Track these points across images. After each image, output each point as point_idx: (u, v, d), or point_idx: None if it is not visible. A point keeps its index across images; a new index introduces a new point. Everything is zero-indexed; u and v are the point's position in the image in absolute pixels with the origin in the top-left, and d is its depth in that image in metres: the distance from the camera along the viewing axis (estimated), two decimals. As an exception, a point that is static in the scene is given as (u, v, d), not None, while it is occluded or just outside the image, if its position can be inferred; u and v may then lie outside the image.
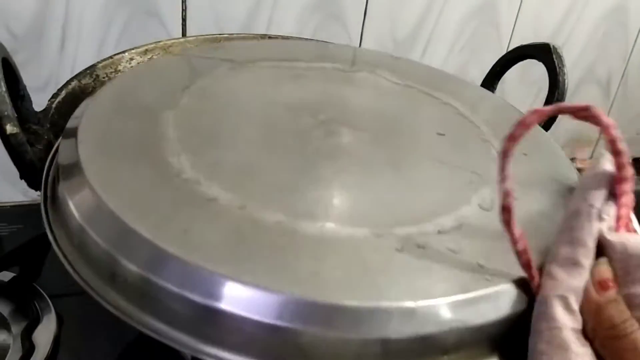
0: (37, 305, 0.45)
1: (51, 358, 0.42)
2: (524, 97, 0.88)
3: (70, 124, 0.34)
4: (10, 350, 0.42)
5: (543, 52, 0.44)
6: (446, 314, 0.25)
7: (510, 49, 0.80)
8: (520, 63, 0.78)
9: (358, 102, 0.40)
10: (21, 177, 0.33)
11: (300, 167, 0.33)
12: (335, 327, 0.24)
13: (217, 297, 0.24)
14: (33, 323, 0.43)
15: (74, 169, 0.30)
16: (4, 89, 0.30)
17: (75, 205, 0.28)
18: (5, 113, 0.30)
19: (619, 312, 0.25)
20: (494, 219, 0.28)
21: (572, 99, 0.88)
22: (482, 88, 0.47)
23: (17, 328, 0.43)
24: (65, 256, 0.28)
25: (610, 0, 0.82)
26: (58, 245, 0.28)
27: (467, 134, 0.38)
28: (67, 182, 0.30)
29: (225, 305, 0.24)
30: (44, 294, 0.46)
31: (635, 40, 0.88)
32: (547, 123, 0.44)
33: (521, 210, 0.27)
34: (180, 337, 0.25)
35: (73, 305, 0.47)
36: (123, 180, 0.29)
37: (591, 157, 0.98)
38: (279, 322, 0.24)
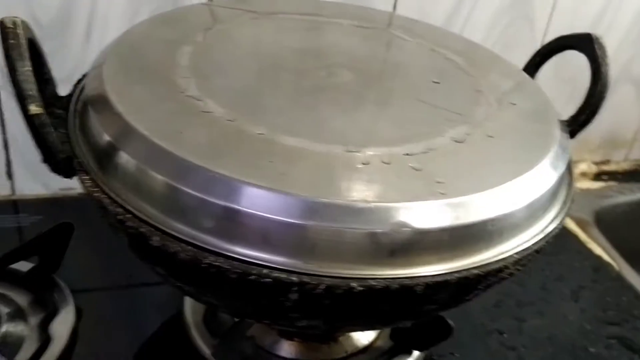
0: (55, 296, 0.44)
1: (68, 351, 0.41)
2: (558, 94, 0.85)
3: (97, 57, 0.38)
4: (26, 341, 0.41)
5: (584, 42, 0.42)
6: (396, 216, 0.28)
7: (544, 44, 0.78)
8: (555, 59, 0.76)
9: (365, 52, 0.43)
10: (43, 161, 0.32)
11: (294, 96, 0.36)
12: (292, 216, 0.27)
13: (198, 188, 0.28)
14: (50, 315, 0.42)
15: (98, 89, 0.33)
16: (29, 68, 0.29)
17: (101, 124, 0.32)
18: (30, 92, 0.29)
19: None
20: (464, 149, 0.32)
21: (608, 98, 0.86)
22: (492, 51, 0.48)
23: (34, 319, 0.43)
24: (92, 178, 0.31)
25: (649, -4, 0.79)
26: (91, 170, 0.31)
27: (462, 84, 0.40)
28: (93, 103, 0.33)
29: (189, 189, 0.28)
30: (63, 286, 0.45)
31: (676, 37, 0.84)
32: (582, 124, 0.42)
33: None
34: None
35: (93, 299, 0.46)
36: (138, 97, 0.33)
37: (625, 159, 0.95)
38: (233, 205, 0.28)
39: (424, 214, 0.28)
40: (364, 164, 0.30)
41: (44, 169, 0.70)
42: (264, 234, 0.28)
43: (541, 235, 0.32)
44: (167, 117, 0.31)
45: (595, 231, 0.79)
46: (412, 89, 0.39)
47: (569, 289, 0.68)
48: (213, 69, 0.37)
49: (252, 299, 0.29)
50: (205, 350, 0.41)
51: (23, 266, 0.45)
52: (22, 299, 0.44)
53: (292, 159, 0.30)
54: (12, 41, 0.29)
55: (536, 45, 0.79)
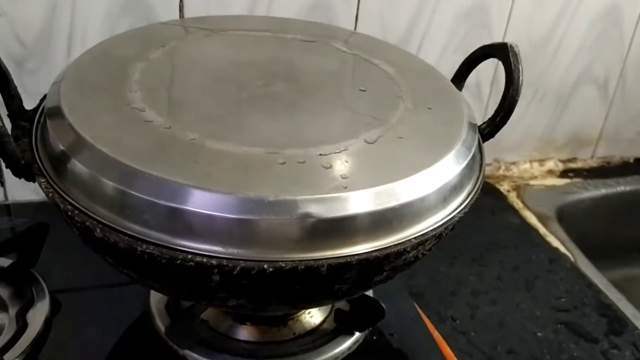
0: (33, 289, 0.49)
1: (42, 337, 0.46)
2: (521, 98, 0.89)
3: (59, 74, 0.42)
4: (6, 329, 0.46)
5: (501, 51, 0.46)
6: (301, 207, 0.33)
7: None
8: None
9: (303, 64, 0.47)
10: (6, 166, 0.37)
11: (230, 105, 0.41)
12: (211, 209, 0.32)
13: (133, 187, 0.33)
14: (28, 305, 0.47)
15: (55, 101, 0.39)
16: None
17: (57, 134, 0.37)
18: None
19: None
20: (374, 149, 0.37)
21: (569, 99, 0.91)
22: (425, 61, 0.52)
23: (14, 310, 0.47)
24: (52, 184, 0.36)
25: (603, 0, 0.83)
26: (47, 174, 0.36)
27: (387, 91, 0.45)
28: (50, 115, 0.38)
29: (125, 187, 0.33)
30: (41, 280, 0.50)
31: (632, 41, 0.89)
32: (498, 124, 0.46)
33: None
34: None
35: (68, 294, 0.51)
36: (88, 109, 0.38)
37: (592, 157, 0.99)
38: (162, 201, 0.33)
39: (326, 206, 0.33)
40: (280, 163, 0.35)
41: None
42: (188, 224, 0.33)
43: (440, 223, 0.37)
44: (111, 127, 0.36)
45: (555, 225, 0.83)
46: (339, 96, 0.44)
47: (524, 278, 0.73)
48: (160, 82, 0.42)
49: (183, 281, 0.34)
50: (162, 332, 0.46)
51: (4, 262, 0.50)
52: (2, 291, 0.49)
53: (217, 160, 0.35)
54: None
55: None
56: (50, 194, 0.35)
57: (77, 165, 0.35)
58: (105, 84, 0.41)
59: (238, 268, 0.32)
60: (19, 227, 0.59)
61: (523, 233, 0.81)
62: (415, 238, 0.35)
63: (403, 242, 0.35)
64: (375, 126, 0.40)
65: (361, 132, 0.39)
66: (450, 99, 0.45)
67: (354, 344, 0.48)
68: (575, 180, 0.95)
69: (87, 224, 0.34)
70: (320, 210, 0.33)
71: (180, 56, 0.46)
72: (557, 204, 0.88)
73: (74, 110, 0.37)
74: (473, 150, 0.41)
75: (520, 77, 0.45)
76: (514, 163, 0.95)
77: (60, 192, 0.35)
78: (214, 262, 0.32)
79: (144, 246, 0.32)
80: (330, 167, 0.35)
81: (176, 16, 0.66)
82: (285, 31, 0.52)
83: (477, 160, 0.43)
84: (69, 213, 0.34)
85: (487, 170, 0.94)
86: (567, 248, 0.79)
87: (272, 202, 0.32)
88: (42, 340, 0.46)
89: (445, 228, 0.37)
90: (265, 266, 0.32)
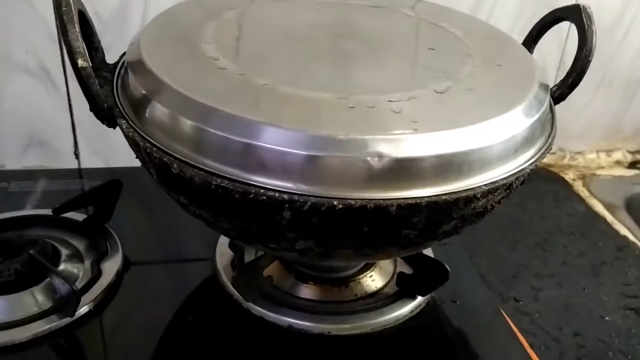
0: (107, 242, 0.51)
1: (114, 286, 0.48)
2: (587, 83, 0.87)
3: (138, 32, 0.44)
4: (81, 276, 0.48)
5: (574, 12, 0.45)
6: (372, 146, 0.33)
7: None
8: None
9: (370, 26, 0.48)
10: (90, 109, 0.39)
11: (300, 58, 0.42)
12: (283, 145, 0.33)
13: (209, 124, 0.34)
14: (102, 255, 0.49)
15: (135, 53, 0.40)
16: (77, 29, 0.36)
17: (138, 80, 0.39)
18: (78, 49, 0.36)
19: None
20: (443, 98, 0.37)
21: (638, 87, 0.87)
22: (492, 25, 0.51)
23: (89, 261, 0.49)
24: (134, 125, 0.37)
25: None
26: (127, 117, 0.38)
27: (455, 50, 0.45)
28: (131, 64, 0.40)
29: (202, 125, 0.35)
30: (114, 234, 0.52)
31: None
32: (570, 86, 0.46)
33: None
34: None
35: (139, 250, 0.52)
36: (167, 57, 0.39)
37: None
38: (236, 137, 0.34)
39: (396, 146, 0.33)
40: (350, 107, 0.35)
41: (106, 148, 0.79)
42: (261, 160, 0.33)
43: (510, 173, 0.36)
44: (188, 72, 0.38)
45: (624, 214, 0.81)
46: (408, 54, 0.44)
47: (590, 264, 0.71)
48: (232, 37, 0.43)
49: (254, 218, 0.35)
50: (231, 288, 0.47)
51: (79, 217, 0.53)
52: (79, 244, 0.51)
53: (289, 102, 0.35)
54: (64, 8, 0.36)
55: (562, 35, 0.82)
56: (130, 134, 0.37)
57: (157, 106, 0.36)
58: (181, 38, 0.42)
59: (308, 204, 0.33)
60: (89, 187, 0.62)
61: (589, 220, 0.79)
62: (485, 185, 0.35)
63: (473, 187, 0.35)
64: (444, 79, 0.40)
65: (430, 83, 0.39)
66: (521, 58, 0.45)
67: (416, 307, 0.48)
68: (645, 172, 0.92)
69: (165, 159, 0.35)
70: (390, 149, 0.33)
71: (251, 17, 0.47)
72: (626, 194, 0.86)
73: (153, 58, 0.39)
74: (545, 106, 0.40)
75: (594, 38, 0.44)
76: (579, 152, 0.93)
77: (140, 131, 0.37)
78: (285, 197, 0.33)
79: (219, 180, 0.33)
80: (400, 111, 0.35)
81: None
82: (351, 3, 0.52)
83: (549, 118, 0.42)
84: (148, 150, 0.36)
85: (552, 159, 0.92)
86: (636, 236, 0.76)
87: (343, 140, 0.33)
88: (114, 289, 0.48)
89: (516, 179, 0.37)
90: (335, 203, 0.33)
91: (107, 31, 0.69)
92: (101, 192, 0.51)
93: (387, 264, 0.51)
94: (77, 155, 0.77)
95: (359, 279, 0.49)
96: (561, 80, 0.46)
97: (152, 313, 0.47)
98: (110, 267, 0.49)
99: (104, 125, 0.61)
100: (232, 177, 0.34)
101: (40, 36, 0.70)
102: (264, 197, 0.33)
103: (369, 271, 0.50)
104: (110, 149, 0.77)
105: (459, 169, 0.35)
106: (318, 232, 0.35)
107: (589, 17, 0.44)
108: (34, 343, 0.42)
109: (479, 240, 0.72)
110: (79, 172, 0.68)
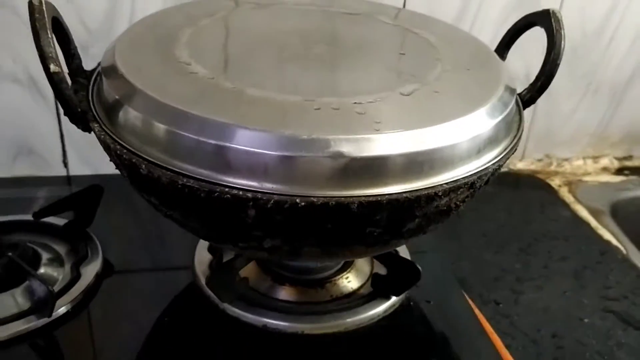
0: (87, 247, 0.52)
1: (93, 289, 0.48)
2: (572, 90, 0.88)
3: (115, 39, 0.45)
4: (60, 279, 0.49)
5: (543, 18, 0.46)
6: (333, 146, 0.34)
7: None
8: (568, 58, 0.80)
9: (345, 32, 0.49)
10: (64, 113, 0.40)
11: (271, 62, 0.43)
12: (247, 145, 0.34)
13: (178, 126, 0.35)
14: (82, 258, 0.50)
15: (109, 59, 0.42)
16: (49, 35, 0.38)
17: (111, 86, 0.40)
18: (50, 54, 0.37)
19: None
20: (408, 100, 0.38)
21: (624, 94, 0.89)
22: (468, 33, 0.53)
23: (69, 264, 0.50)
24: (107, 131, 0.39)
25: (659, -10, 0.81)
26: (100, 121, 0.39)
27: (426, 55, 0.46)
28: (105, 70, 0.42)
29: (169, 126, 0.36)
30: (95, 238, 0.53)
31: (690, 33, 0.86)
32: (539, 89, 0.46)
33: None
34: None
35: (120, 255, 0.53)
36: (140, 63, 0.41)
37: (650, 154, 0.96)
38: (202, 137, 0.35)
39: (358, 145, 0.34)
40: (315, 109, 0.36)
41: (94, 157, 0.80)
42: (227, 160, 0.34)
43: (472, 172, 0.37)
44: (160, 77, 0.39)
45: (608, 219, 0.81)
46: (379, 58, 0.45)
47: (572, 268, 0.71)
48: (206, 43, 0.44)
49: (221, 217, 0.36)
50: (209, 292, 0.48)
51: (60, 221, 0.54)
52: (60, 248, 0.52)
53: (256, 104, 0.36)
54: (37, 15, 0.37)
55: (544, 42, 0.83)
56: (102, 136, 0.38)
57: (129, 110, 0.37)
58: (155, 44, 0.43)
59: (272, 201, 0.34)
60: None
61: (573, 226, 0.79)
62: (447, 184, 0.36)
63: (434, 186, 0.36)
64: (411, 82, 0.41)
65: (397, 86, 0.40)
66: (490, 64, 0.46)
67: (390, 307, 0.48)
68: (632, 177, 0.92)
69: (134, 160, 0.36)
70: (352, 149, 0.34)
71: (227, 24, 0.48)
72: (611, 200, 0.86)
73: (126, 64, 0.40)
74: (510, 107, 0.41)
75: (563, 42, 0.45)
76: (566, 159, 0.93)
77: (112, 135, 0.38)
78: (249, 195, 0.34)
79: (185, 180, 0.34)
80: (364, 113, 0.36)
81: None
82: (331, 5, 0.53)
83: (515, 120, 0.43)
84: (118, 152, 0.37)
85: (538, 166, 0.93)
86: (619, 241, 0.77)
87: (306, 139, 0.34)
88: (93, 291, 0.48)
89: (479, 178, 0.38)
90: (297, 200, 0.33)
91: (93, 41, 0.70)
92: (82, 197, 0.52)
93: (363, 266, 0.52)
94: (65, 164, 0.78)
95: (335, 280, 0.50)
96: (530, 84, 0.47)
97: (131, 314, 0.48)
98: (90, 270, 0.50)
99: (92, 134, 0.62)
100: (198, 177, 0.34)
101: (29, 45, 0.71)
102: (228, 196, 0.34)
103: (345, 272, 0.50)
104: (98, 158, 0.77)
105: (420, 168, 0.36)
106: (283, 230, 0.36)
107: (558, 21, 0.45)
108: (13, 342, 0.43)
109: (463, 245, 0.73)
110: (68, 179, 0.69)
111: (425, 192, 0.35)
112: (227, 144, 0.34)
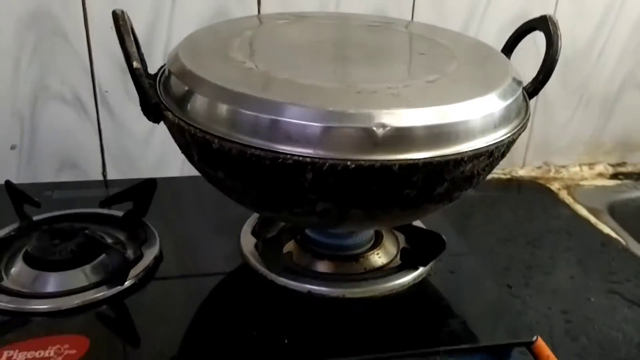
0: (145, 232, 0.58)
1: (154, 267, 0.54)
2: (567, 101, 0.96)
3: (174, 47, 0.52)
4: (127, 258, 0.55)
5: (541, 22, 0.54)
6: (377, 118, 0.41)
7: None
8: (562, 70, 0.88)
9: (369, 39, 0.57)
10: (141, 105, 0.47)
11: (311, 61, 0.50)
12: (305, 119, 0.41)
13: (243, 107, 0.42)
14: (142, 242, 0.56)
15: (176, 60, 0.49)
16: (132, 39, 0.45)
17: (179, 79, 0.47)
18: (133, 53, 0.44)
19: None
20: (433, 86, 0.46)
21: (615, 104, 0.97)
22: (476, 38, 0.60)
23: (131, 250, 0.56)
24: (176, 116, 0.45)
25: (640, 10, 0.90)
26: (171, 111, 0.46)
27: (442, 55, 0.53)
28: (173, 69, 0.48)
29: (238, 108, 0.43)
30: (150, 226, 0.59)
31: (672, 46, 0.94)
32: (541, 82, 0.54)
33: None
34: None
35: (173, 244, 0.59)
36: (203, 62, 0.48)
37: (643, 161, 1.03)
38: (267, 115, 0.42)
39: (397, 118, 0.41)
40: (357, 92, 0.43)
41: (131, 170, 0.87)
42: (287, 133, 0.41)
43: (491, 143, 0.44)
44: (222, 71, 0.46)
45: (607, 217, 0.88)
46: (402, 57, 0.53)
47: (577, 258, 0.77)
48: (254, 48, 0.52)
49: (281, 183, 0.43)
50: (257, 265, 0.54)
51: (118, 213, 0.60)
52: (120, 235, 0.58)
53: (307, 89, 0.43)
54: (121, 22, 0.44)
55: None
56: (176, 121, 0.45)
57: (198, 97, 0.44)
58: (211, 49, 0.51)
59: (327, 165, 0.40)
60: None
61: (574, 222, 0.86)
62: (470, 151, 0.43)
63: (460, 152, 0.42)
64: (433, 74, 0.48)
65: (422, 76, 0.47)
66: (498, 60, 0.54)
67: (418, 276, 0.55)
68: (627, 181, 0.99)
69: (207, 137, 0.43)
70: (391, 121, 0.41)
71: (267, 34, 0.56)
72: (608, 201, 0.93)
73: (191, 63, 0.47)
74: (518, 93, 0.48)
75: (559, 42, 0.53)
76: (564, 166, 1.01)
77: (184, 119, 0.45)
78: (308, 159, 0.40)
79: (252, 150, 0.41)
80: (399, 95, 0.44)
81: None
82: (356, 19, 0.61)
83: (523, 106, 0.50)
84: (192, 132, 0.43)
85: (538, 172, 1.00)
86: (619, 235, 0.83)
87: (353, 113, 0.41)
88: (154, 269, 0.54)
89: (496, 148, 0.44)
90: (348, 163, 0.40)
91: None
92: (139, 189, 0.59)
93: (391, 245, 0.59)
94: (104, 176, 0.85)
95: (367, 255, 0.56)
96: (533, 78, 0.54)
97: (188, 289, 0.54)
98: (150, 253, 0.56)
99: (129, 149, 0.71)
100: (264, 147, 0.41)
101: (75, 68, 0.78)
102: (290, 161, 0.41)
103: (375, 249, 0.57)
104: (134, 171, 0.85)
105: (447, 138, 0.42)
106: (335, 192, 0.43)
107: (554, 24, 0.53)
108: (85, 309, 0.49)
109: (473, 241, 0.79)
110: (105, 183, 0.76)
111: (453, 157, 0.42)
112: (287, 119, 0.41)
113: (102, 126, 0.82)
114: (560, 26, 0.88)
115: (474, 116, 0.44)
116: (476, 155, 0.43)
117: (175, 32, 0.78)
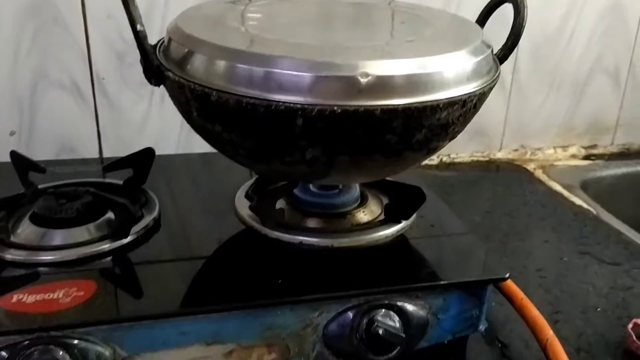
0: (146, 197, 0.62)
1: (155, 226, 0.58)
2: (539, 86, 1.01)
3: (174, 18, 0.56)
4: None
5: (510, -5, 0.59)
6: (361, 67, 0.45)
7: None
8: (533, 57, 0.93)
9: (354, 13, 0.62)
10: (143, 67, 0.51)
11: (299, 28, 0.55)
12: (295, 70, 0.45)
13: (239, 61, 0.47)
14: (143, 204, 0.60)
15: (175, 28, 0.53)
16: (135, 4, 0.49)
17: (179, 43, 0.51)
18: (138, 17, 0.49)
19: None
20: (412, 44, 0.51)
21: (585, 88, 1.02)
22: (454, 14, 0.65)
23: (134, 209, 0.60)
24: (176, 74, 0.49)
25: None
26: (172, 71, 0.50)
27: (421, 23, 0.58)
28: (173, 35, 0.52)
29: (233, 62, 0.47)
30: (150, 192, 0.63)
31: (637, 33, 1.00)
32: (510, 47, 0.58)
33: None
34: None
35: (172, 208, 0.63)
36: (201, 27, 0.52)
37: (612, 144, 1.09)
38: (260, 67, 0.46)
39: (379, 67, 0.45)
40: (344, 47, 0.48)
41: (125, 154, 0.89)
42: (279, 83, 0.45)
43: (464, 93, 0.49)
44: (219, 34, 0.50)
45: (579, 191, 0.93)
46: (385, 25, 0.58)
47: (551, 225, 0.82)
48: (247, 17, 0.56)
49: (274, 130, 0.47)
50: (250, 221, 0.58)
51: (118, 181, 0.64)
52: (122, 199, 0.62)
53: (298, 46, 0.48)
54: (126, -10, 0.49)
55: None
56: (177, 79, 0.49)
57: (197, 56, 0.49)
58: (208, 17, 0.55)
59: (315, 110, 0.45)
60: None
61: (549, 196, 0.91)
62: (445, 99, 0.47)
63: (436, 100, 0.47)
64: (412, 36, 0.53)
65: (402, 37, 0.52)
66: (471, 27, 0.58)
67: (401, 229, 0.59)
68: (598, 161, 1.05)
69: (206, 90, 0.47)
70: (374, 70, 0.45)
71: (256, 9, 0.60)
72: (582, 179, 0.98)
73: (190, 28, 0.51)
74: (487, 53, 0.53)
75: (525, 10, 0.58)
76: (539, 149, 1.06)
77: (184, 76, 0.49)
78: (298, 106, 0.45)
79: (248, 99, 0.45)
80: (381, 50, 0.48)
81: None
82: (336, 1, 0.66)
83: (493, 66, 0.55)
84: (192, 87, 0.48)
85: (515, 155, 1.05)
86: (590, 206, 0.88)
87: (339, 64, 0.45)
88: (155, 228, 0.58)
89: (469, 98, 0.49)
90: (335, 108, 0.45)
91: (129, 50, 0.81)
92: (139, 157, 0.62)
93: (375, 206, 0.63)
94: (101, 161, 0.88)
95: (353, 212, 0.60)
96: (503, 44, 0.59)
97: (187, 244, 0.57)
98: (150, 213, 0.59)
99: (125, 134, 0.74)
100: (258, 97, 0.45)
101: (73, 56, 0.82)
102: (282, 107, 0.45)
103: (361, 208, 0.61)
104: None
105: (424, 87, 0.47)
106: (323, 138, 0.47)
107: (521, -3, 0.58)
108: (93, 258, 0.52)
109: (454, 212, 0.83)
110: (101, 160, 0.80)
111: (430, 103, 0.47)
112: (279, 70, 0.45)
113: (99, 112, 0.86)
114: (530, 12, 0.94)
115: (448, 68, 0.48)
116: (450, 103, 0.48)
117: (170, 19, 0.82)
